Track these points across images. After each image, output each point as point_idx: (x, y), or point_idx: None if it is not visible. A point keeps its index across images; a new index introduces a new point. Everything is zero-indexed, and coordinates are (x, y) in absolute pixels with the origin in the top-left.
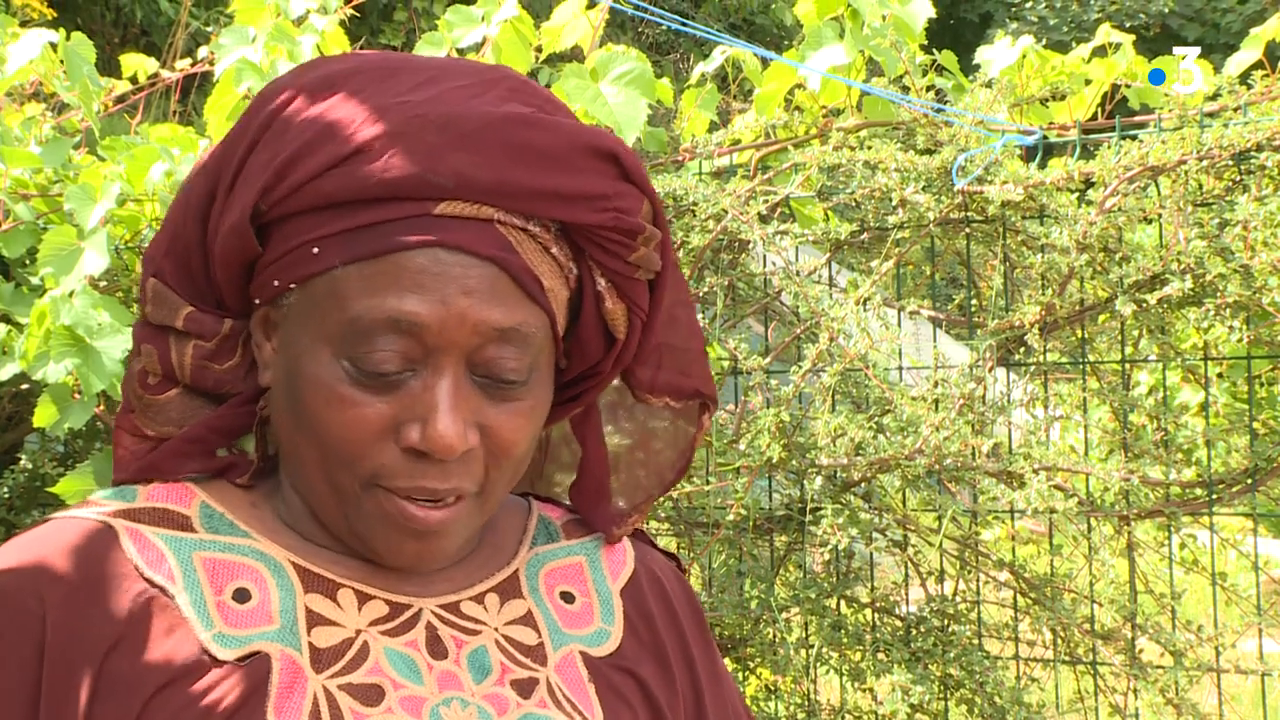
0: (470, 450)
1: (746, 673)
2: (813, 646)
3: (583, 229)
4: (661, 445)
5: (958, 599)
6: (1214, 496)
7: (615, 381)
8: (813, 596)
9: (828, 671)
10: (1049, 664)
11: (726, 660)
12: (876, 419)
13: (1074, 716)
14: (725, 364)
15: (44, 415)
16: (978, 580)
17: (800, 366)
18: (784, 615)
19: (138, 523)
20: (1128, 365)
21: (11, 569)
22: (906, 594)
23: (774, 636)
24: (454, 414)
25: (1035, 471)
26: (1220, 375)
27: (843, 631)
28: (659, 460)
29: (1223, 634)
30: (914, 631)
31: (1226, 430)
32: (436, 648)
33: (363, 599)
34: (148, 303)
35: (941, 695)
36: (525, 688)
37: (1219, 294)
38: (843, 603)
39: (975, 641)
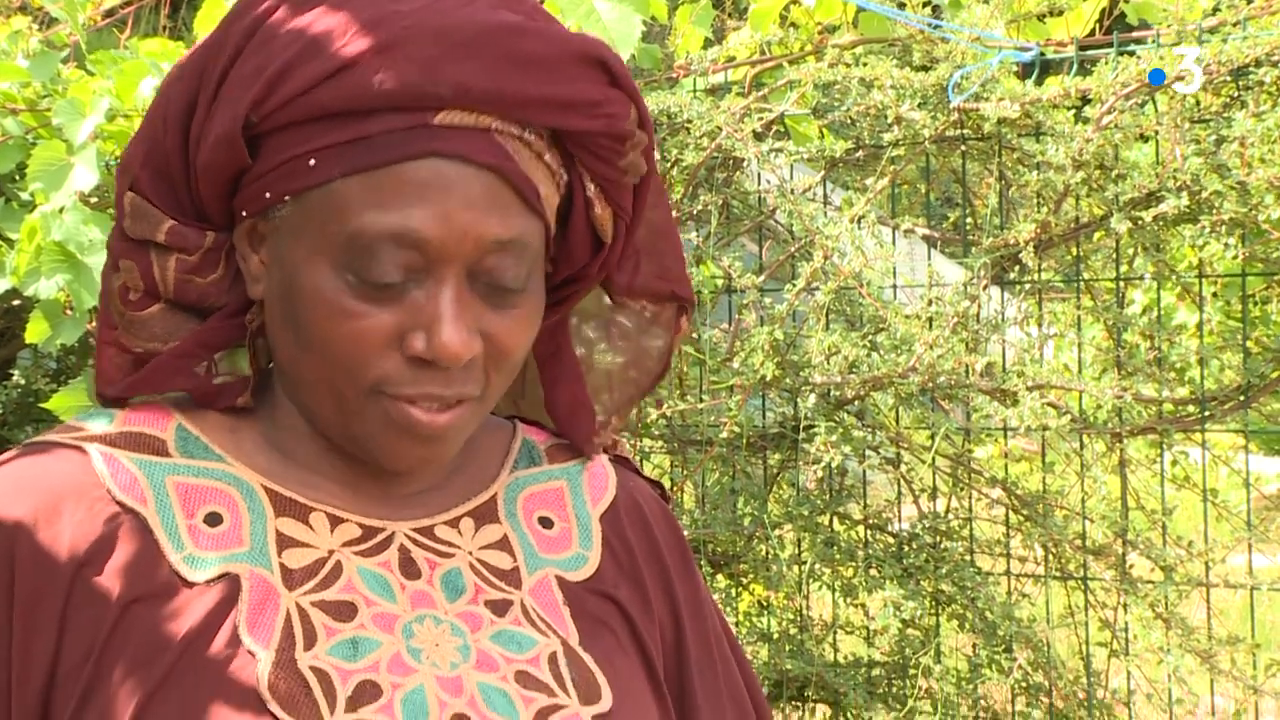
0: (473, 357)
1: (739, 589)
2: (805, 563)
3: (575, 135)
4: (651, 362)
5: (950, 516)
6: (1206, 414)
7: (605, 299)
8: (805, 514)
9: (820, 587)
10: (1040, 579)
11: (720, 577)
12: (870, 337)
13: (1064, 631)
14: (719, 282)
15: (36, 331)
16: (970, 497)
17: (794, 285)
18: (777, 532)
19: (113, 447)
20: (1122, 283)
21: None
22: (899, 511)
23: (767, 553)
24: (458, 322)
25: (1029, 389)
26: (1215, 294)
27: (835, 548)
28: (649, 375)
29: (1212, 549)
30: (906, 548)
31: (1220, 348)
32: (409, 569)
33: (335, 522)
34: (125, 217)
35: (933, 610)
36: (499, 608)
37: (1215, 211)
38: (835, 520)
39: (967, 558)
